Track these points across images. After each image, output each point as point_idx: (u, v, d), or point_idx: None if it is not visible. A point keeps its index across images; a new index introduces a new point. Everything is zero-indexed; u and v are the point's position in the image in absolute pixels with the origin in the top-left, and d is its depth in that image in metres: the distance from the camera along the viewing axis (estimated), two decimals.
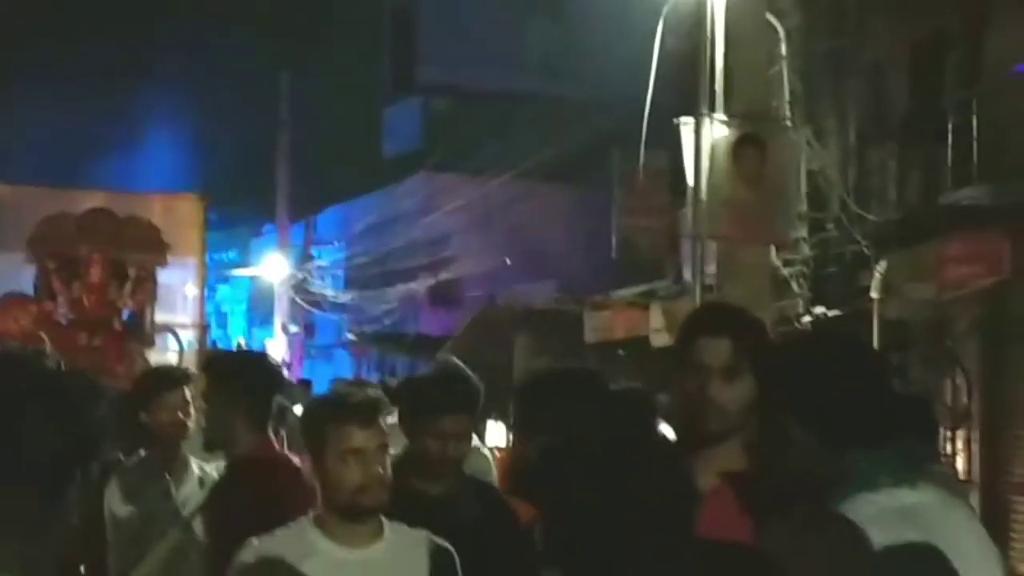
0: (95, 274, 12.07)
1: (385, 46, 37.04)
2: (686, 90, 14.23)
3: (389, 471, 3.80)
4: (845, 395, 2.78)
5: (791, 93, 14.52)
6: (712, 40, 13.01)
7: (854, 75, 15.89)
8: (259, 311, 35.45)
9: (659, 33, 14.27)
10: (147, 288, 12.44)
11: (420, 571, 3.79)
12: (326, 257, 33.72)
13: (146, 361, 11.48)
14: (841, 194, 15.40)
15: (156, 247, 12.58)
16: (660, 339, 16.86)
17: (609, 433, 2.66)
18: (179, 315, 13.54)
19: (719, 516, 3.17)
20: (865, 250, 14.76)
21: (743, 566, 3.01)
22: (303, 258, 33.77)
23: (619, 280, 21.23)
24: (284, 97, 32.10)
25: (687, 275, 17.53)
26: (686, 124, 13.63)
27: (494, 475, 5.94)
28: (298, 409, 6.42)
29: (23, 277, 12.33)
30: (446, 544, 3.83)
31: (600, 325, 20.86)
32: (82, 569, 5.79)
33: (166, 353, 12.68)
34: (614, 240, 20.98)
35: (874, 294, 13.80)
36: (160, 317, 12.80)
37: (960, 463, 13.41)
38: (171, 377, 6.21)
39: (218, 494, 5.10)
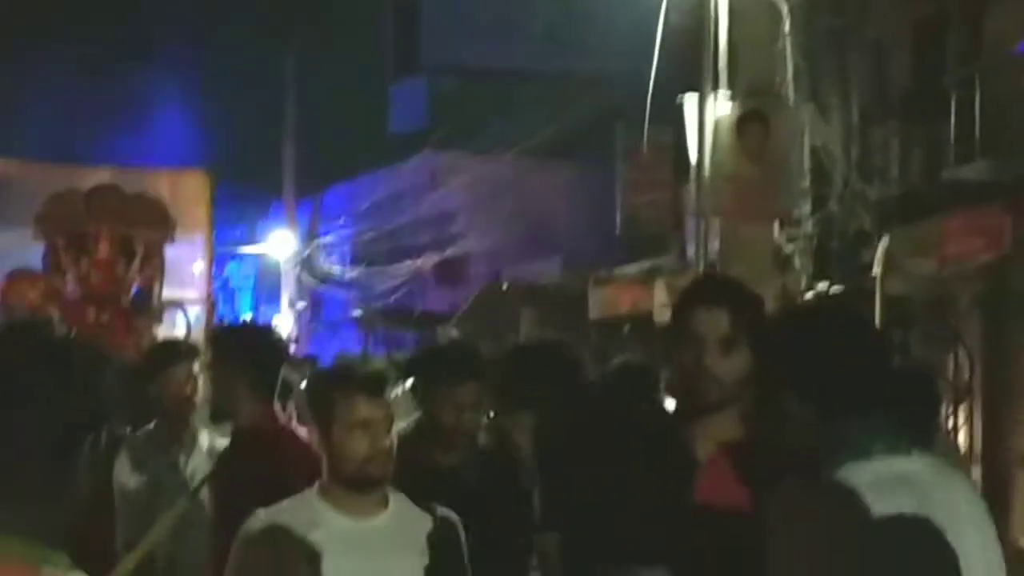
0: (103, 250, 12.12)
1: (390, 25, 37.10)
2: (690, 67, 14.25)
3: (395, 442, 3.85)
4: (843, 366, 2.80)
5: (794, 70, 14.49)
6: (716, 16, 13.04)
7: (857, 52, 15.87)
8: (266, 287, 35.50)
9: (663, 10, 14.28)
10: (155, 264, 12.49)
11: (425, 541, 3.83)
12: (333, 234, 33.74)
13: (154, 337, 11.55)
14: (844, 170, 15.40)
15: (164, 223, 12.62)
16: (664, 315, 16.88)
17: (606, 402, 2.71)
18: (187, 291, 13.58)
19: (715, 485, 3.22)
20: (867, 226, 14.79)
21: (740, 532, 3.08)
22: (310, 235, 33.79)
23: (623, 256, 21.27)
24: (290, 75, 32.09)
25: (691, 251, 17.59)
26: (690, 100, 13.69)
27: None
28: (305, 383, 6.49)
29: (31, 253, 12.38)
30: (451, 515, 3.87)
31: (604, 301, 20.89)
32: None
33: (174, 329, 12.74)
34: (618, 216, 21.02)
35: (876, 270, 13.79)
36: (168, 293, 12.84)
37: (961, 438, 13.46)
38: (178, 351, 6.28)
39: (223, 465, 5.14)
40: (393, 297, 29.65)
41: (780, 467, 3.17)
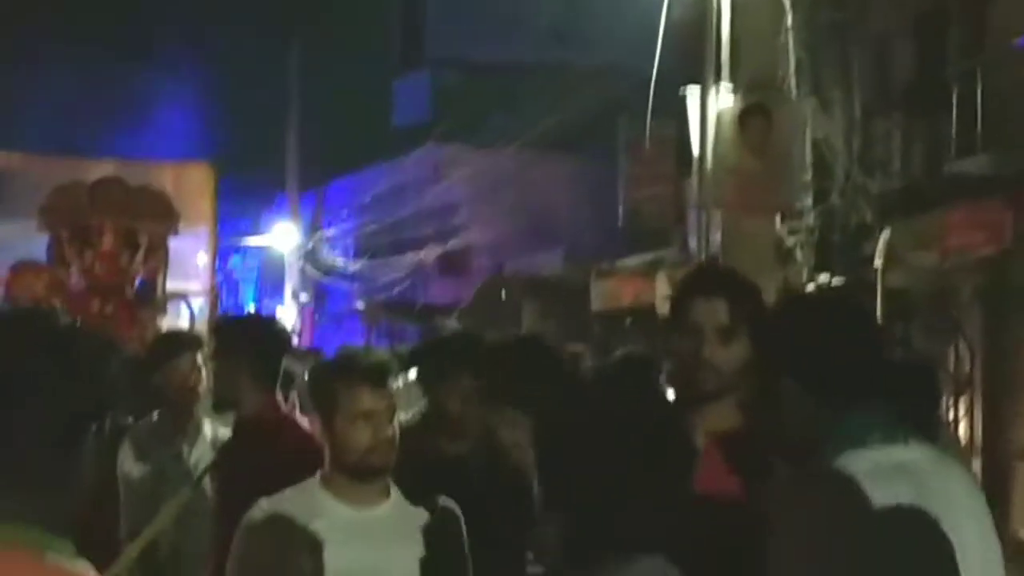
0: (107, 242, 12.15)
1: (394, 18, 37.12)
2: (692, 60, 14.25)
3: (397, 432, 3.85)
4: (843, 356, 2.81)
5: (797, 63, 14.49)
6: (718, 10, 13.04)
7: (859, 45, 15.88)
8: (270, 280, 35.55)
9: (665, 3, 14.29)
10: (159, 256, 12.53)
11: (421, 533, 3.81)
12: (336, 226, 33.78)
13: (158, 328, 11.58)
14: (845, 163, 15.41)
15: (167, 215, 12.66)
16: (666, 307, 16.91)
17: (608, 392, 2.71)
18: (190, 283, 13.63)
19: (710, 475, 3.20)
20: (869, 219, 14.80)
21: (739, 521, 3.06)
22: (313, 227, 33.84)
23: (625, 249, 21.29)
24: (295, 69, 32.10)
25: (693, 244, 17.61)
26: (692, 94, 13.69)
27: None
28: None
29: (36, 245, 12.43)
30: (452, 506, 3.87)
31: (606, 293, 20.92)
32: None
33: (177, 321, 12.79)
34: (620, 209, 21.03)
35: (878, 262, 13.81)
36: (172, 285, 12.89)
37: (962, 430, 13.49)
38: (182, 341, 6.29)
39: (225, 454, 5.17)
40: (396, 289, 29.69)
41: (772, 457, 3.20)
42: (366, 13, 34.89)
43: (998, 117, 13.33)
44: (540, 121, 22.84)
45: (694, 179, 14.25)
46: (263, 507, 3.80)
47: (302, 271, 32.57)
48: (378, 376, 3.84)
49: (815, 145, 15.58)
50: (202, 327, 11.42)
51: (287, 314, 29.80)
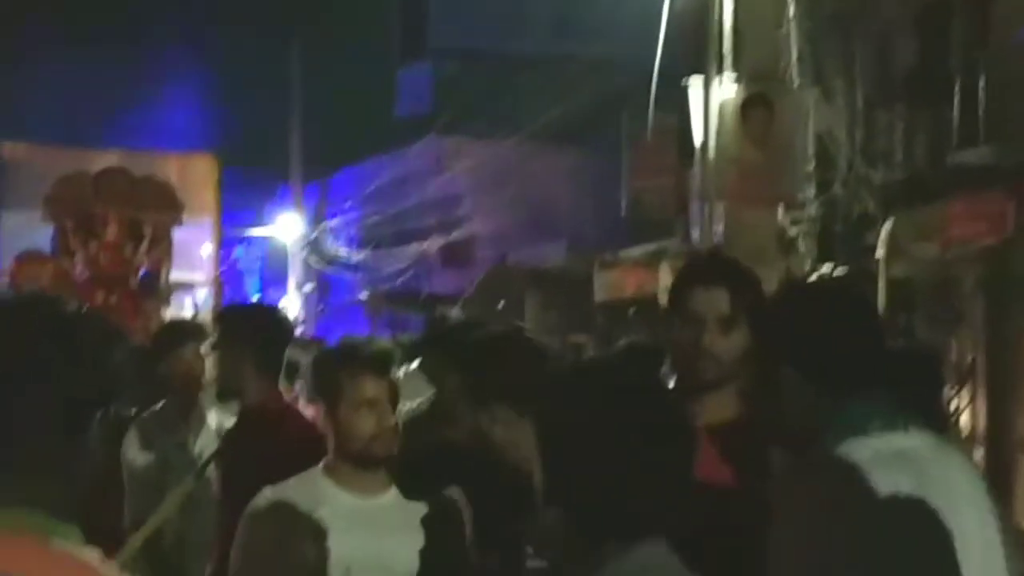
0: (111, 233, 12.21)
1: (396, 9, 37.11)
2: (695, 51, 14.27)
3: (400, 421, 3.88)
4: (843, 344, 2.80)
5: (799, 54, 14.52)
6: (720, 0, 13.07)
7: (861, 36, 15.86)
8: (273, 271, 35.58)
9: None
10: (163, 247, 12.59)
11: (419, 524, 3.82)
12: (339, 217, 33.79)
13: (162, 319, 11.62)
14: (848, 154, 15.39)
15: (171, 206, 12.72)
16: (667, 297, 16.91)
17: (611, 379, 2.68)
18: (195, 274, 13.68)
19: (704, 465, 3.22)
20: (871, 210, 14.80)
21: (739, 509, 3.10)
22: (317, 218, 33.84)
23: (628, 240, 21.29)
24: (297, 60, 32.09)
25: (695, 234, 17.62)
26: (694, 85, 13.71)
27: None
28: None
29: (41, 235, 12.49)
30: (454, 496, 3.86)
31: (609, 284, 20.92)
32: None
33: (181, 311, 12.84)
34: (623, 200, 21.03)
35: (880, 253, 13.81)
36: (176, 276, 12.96)
37: (964, 420, 13.49)
38: (187, 331, 6.34)
39: (229, 443, 5.16)
40: (399, 280, 29.70)
41: (771, 446, 3.22)
42: (368, 4, 34.90)
43: (1000, 108, 13.33)
44: (543, 112, 22.84)
45: (696, 170, 14.27)
46: (267, 495, 3.82)
47: (305, 262, 32.58)
48: (381, 364, 3.86)
49: (817, 136, 15.57)
50: (206, 317, 11.45)
51: (291, 305, 29.83)
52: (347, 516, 3.75)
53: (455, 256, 29.64)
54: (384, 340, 4.41)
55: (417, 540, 3.78)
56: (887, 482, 2.62)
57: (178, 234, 12.90)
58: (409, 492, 3.85)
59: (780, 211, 14.07)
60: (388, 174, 29.96)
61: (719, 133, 12.85)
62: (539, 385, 3.40)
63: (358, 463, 3.80)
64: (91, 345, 2.07)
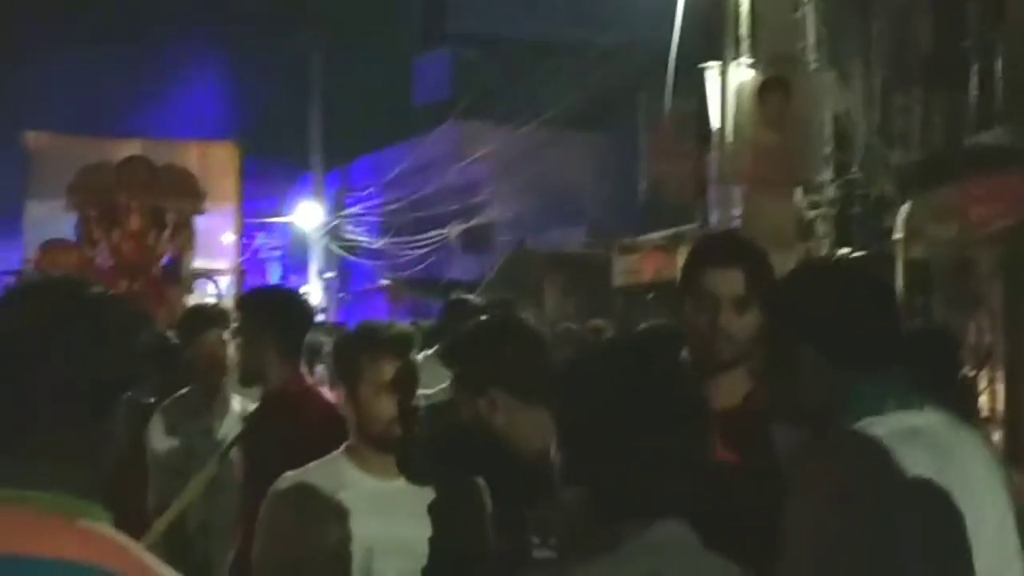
0: (134, 221, 12.28)
1: None
2: (712, 35, 14.27)
3: (420, 404, 3.90)
4: (860, 322, 2.80)
5: (816, 37, 14.48)
6: None
7: (879, 18, 15.81)
8: (295, 258, 35.66)
9: None
10: (185, 235, 12.66)
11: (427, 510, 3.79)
12: (360, 205, 33.85)
13: (185, 306, 11.67)
14: (865, 136, 15.37)
15: (193, 194, 12.78)
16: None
17: (630, 359, 2.68)
18: (217, 261, 13.76)
19: (719, 445, 3.15)
20: (889, 192, 14.77)
21: (757, 485, 3.11)
22: (337, 206, 33.90)
23: (647, 224, 21.29)
24: (317, 48, 32.12)
25: (714, 218, 17.65)
26: (712, 68, 13.70)
27: None
28: None
29: (65, 224, 12.57)
30: (472, 482, 3.80)
31: (628, 268, 20.90)
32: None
33: (204, 298, 12.90)
34: (642, 184, 21.03)
35: (898, 235, 13.74)
36: (198, 263, 13.02)
37: (983, 402, 13.45)
38: (210, 316, 6.33)
39: (251, 427, 5.17)
40: (420, 266, 29.75)
41: (786, 425, 3.22)
42: None
43: (1018, 89, 13.28)
44: (561, 98, 22.83)
45: (714, 154, 14.26)
46: (289, 478, 3.84)
47: (327, 249, 32.66)
48: (401, 348, 3.86)
49: (835, 118, 15.50)
50: (228, 305, 11.49)
51: (312, 292, 29.92)
52: (369, 498, 3.77)
53: (475, 242, 29.68)
54: (404, 324, 4.44)
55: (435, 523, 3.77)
56: (906, 460, 2.63)
57: (200, 222, 12.95)
58: (425, 477, 3.83)
59: (798, 194, 14.05)
60: (408, 161, 29.98)
61: (736, 117, 12.83)
62: (539, 371, 3.46)
63: (378, 446, 3.82)
64: (116, 327, 2.09)
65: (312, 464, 3.87)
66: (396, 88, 35.97)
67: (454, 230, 28.97)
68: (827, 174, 15.51)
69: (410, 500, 3.78)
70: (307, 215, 33.03)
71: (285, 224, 35.08)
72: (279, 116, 33.02)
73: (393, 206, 30.58)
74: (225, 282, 13.67)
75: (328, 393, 5.41)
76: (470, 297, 7.69)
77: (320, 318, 18.35)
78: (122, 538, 2.01)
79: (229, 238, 14.28)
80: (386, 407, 3.80)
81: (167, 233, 12.57)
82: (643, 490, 2.40)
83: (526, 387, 3.44)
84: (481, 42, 33.69)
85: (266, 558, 3.88)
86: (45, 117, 22.12)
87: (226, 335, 6.02)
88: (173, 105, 29.51)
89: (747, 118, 12.77)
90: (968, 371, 12.47)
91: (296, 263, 35.29)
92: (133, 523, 2.06)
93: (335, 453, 3.89)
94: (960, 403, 4.90)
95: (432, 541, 3.72)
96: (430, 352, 7.25)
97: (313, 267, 32.59)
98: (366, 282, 33.86)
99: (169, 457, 5.97)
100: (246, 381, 5.29)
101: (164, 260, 12.66)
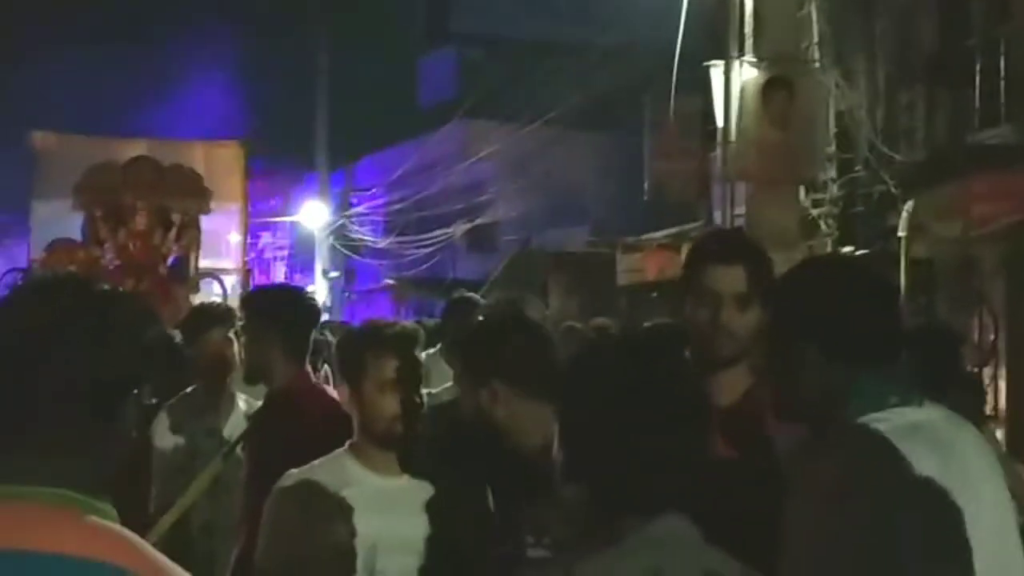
0: (140, 221, 12.30)
1: None
2: (716, 34, 14.30)
3: (424, 400, 3.91)
4: (862, 317, 2.81)
5: (819, 35, 14.51)
6: None
7: (882, 16, 15.83)
8: (300, 257, 35.69)
9: None
10: (191, 234, 12.68)
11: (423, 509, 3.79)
12: (365, 204, 33.88)
13: (191, 306, 11.68)
14: (869, 135, 15.37)
15: (199, 194, 12.79)
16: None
17: (633, 357, 2.66)
18: (222, 261, 13.79)
19: (718, 441, 3.20)
20: (893, 190, 14.74)
21: (757, 481, 3.14)
22: (342, 205, 33.93)
23: (651, 223, 21.32)
24: (323, 47, 32.14)
25: (718, 217, 17.67)
26: (716, 67, 13.73)
27: None
28: None
29: (71, 224, 12.60)
30: (475, 476, 3.78)
31: (632, 267, 20.92)
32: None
33: (210, 298, 12.92)
34: (646, 183, 21.04)
35: (901, 233, 13.70)
36: (204, 263, 13.04)
37: (986, 400, 13.44)
38: (214, 315, 6.31)
39: (256, 425, 5.17)
40: (425, 266, 29.78)
41: (764, 427, 3.29)
42: None
43: (1021, 87, 13.33)
44: (566, 97, 22.84)
45: (718, 153, 14.28)
46: (294, 475, 3.85)
47: (332, 248, 32.69)
48: (405, 345, 3.86)
49: (838, 116, 15.54)
50: (234, 304, 11.50)
51: (318, 291, 29.96)
52: (372, 496, 3.77)
53: (480, 241, 29.71)
54: (408, 322, 4.44)
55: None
56: (908, 456, 2.64)
57: (206, 222, 12.97)
58: (427, 475, 3.84)
59: (802, 192, 14.07)
60: (412, 160, 29.99)
61: (740, 115, 12.85)
62: (542, 365, 3.46)
63: (382, 443, 3.83)
64: (124, 325, 2.09)
65: (316, 461, 3.88)
66: (401, 88, 35.99)
67: (459, 229, 28.99)
68: (831, 172, 15.54)
69: (413, 497, 3.78)
70: (312, 215, 33.07)
71: (290, 224, 35.12)
72: (284, 116, 33.06)
73: (398, 205, 30.60)
74: (231, 281, 13.68)
75: (333, 392, 5.41)
76: (473, 296, 7.71)
77: (325, 317, 18.38)
78: (131, 535, 2.02)
79: (235, 238, 14.31)
80: (390, 405, 3.81)
81: (173, 233, 12.59)
82: (644, 487, 2.41)
83: (527, 380, 3.45)
84: (485, 42, 33.71)
85: (270, 555, 3.88)
86: (51, 117, 22.15)
87: (231, 334, 6.04)
88: (179, 105, 29.55)
89: (751, 117, 12.80)
90: (971, 368, 12.52)
91: (301, 262, 35.33)
92: (135, 522, 2.06)
93: (339, 451, 3.90)
94: (967, 400, 4.90)
95: (429, 540, 3.73)
96: (433, 350, 7.30)
97: (318, 266, 32.62)
98: (371, 281, 33.90)
99: (174, 455, 5.95)
100: (251, 379, 5.29)
101: (170, 260, 12.67)
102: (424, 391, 4.18)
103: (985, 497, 2.74)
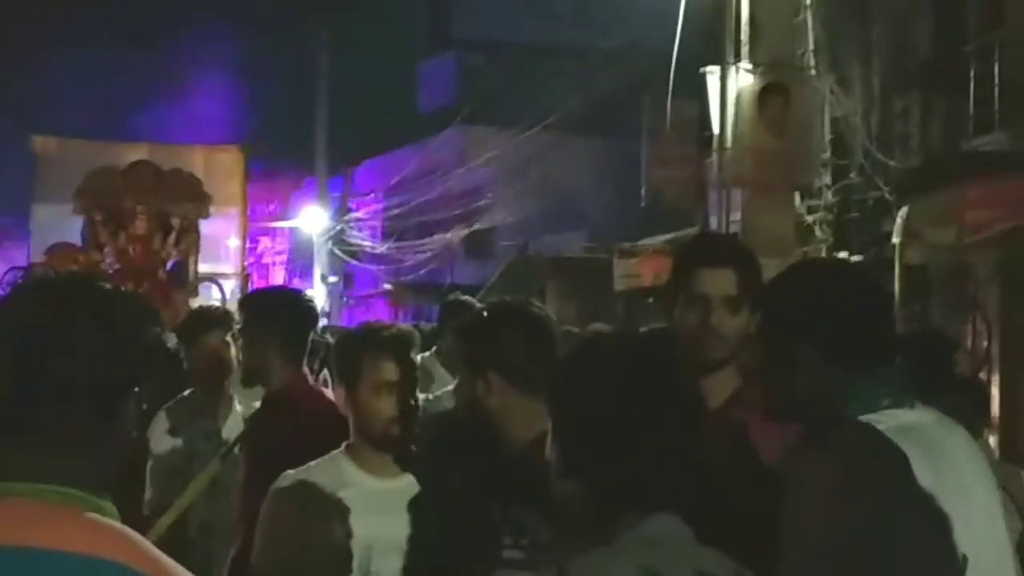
0: (140, 225, 12.31)
1: (420, 1, 37.14)
2: (713, 40, 14.33)
3: (419, 403, 3.93)
4: (856, 319, 2.82)
5: (815, 42, 14.54)
6: None
7: (878, 23, 15.86)
8: (299, 262, 35.70)
9: None
10: (190, 238, 12.68)
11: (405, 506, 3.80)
12: (363, 209, 33.91)
13: (190, 310, 11.70)
14: (864, 141, 15.37)
15: (198, 198, 12.80)
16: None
17: (627, 355, 2.67)
18: (222, 265, 13.80)
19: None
20: (887, 196, 14.76)
21: (752, 481, 3.15)
22: (341, 210, 33.95)
23: (647, 228, 21.36)
24: (323, 52, 32.16)
25: (714, 223, 17.68)
26: (712, 74, 13.77)
27: None
28: None
29: (71, 228, 12.62)
30: (441, 478, 3.75)
31: (629, 272, 20.92)
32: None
33: (209, 302, 12.95)
34: (643, 189, 21.06)
35: (896, 239, 13.72)
36: (203, 267, 13.05)
37: None
38: (212, 318, 6.32)
39: (253, 427, 5.17)
40: (423, 271, 29.82)
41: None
42: None
43: (1016, 94, 13.34)
44: (564, 102, 22.88)
45: (714, 159, 14.31)
46: (290, 476, 3.88)
47: (330, 253, 32.70)
48: (401, 348, 3.88)
49: (833, 123, 15.54)
50: (233, 309, 11.51)
51: (317, 296, 29.98)
52: (368, 497, 3.79)
53: (478, 246, 29.75)
54: (404, 325, 4.46)
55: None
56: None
57: (205, 226, 12.98)
58: (417, 475, 3.85)
59: (797, 199, 14.12)
60: (411, 165, 30.05)
61: (736, 121, 12.91)
62: (538, 361, 3.47)
63: (378, 445, 3.85)
64: (125, 323, 2.09)
65: (313, 463, 3.89)
66: (400, 92, 36.02)
67: (457, 235, 29.02)
68: (826, 178, 15.56)
69: (406, 501, 3.80)
70: (311, 219, 33.09)
71: (290, 228, 35.15)
72: (284, 120, 33.08)
73: (396, 210, 30.64)
74: (230, 286, 13.70)
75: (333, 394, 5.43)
76: (468, 298, 7.75)
77: (323, 322, 18.41)
78: (132, 533, 2.02)
79: (234, 242, 14.34)
80: (385, 407, 3.83)
81: (172, 237, 12.60)
82: (639, 485, 2.41)
83: (522, 373, 3.44)
84: (485, 47, 33.75)
85: (267, 555, 3.89)
86: (52, 121, 22.20)
87: (228, 337, 6.05)
88: (180, 110, 29.59)
89: (747, 123, 12.85)
90: (967, 373, 12.52)
91: (300, 267, 35.35)
92: (131, 522, 2.10)
93: (335, 452, 3.92)
94: (965, 404, 4.91)
95: (409, 539, 3.74)
96: (429, 354, 7.36)
97: (317, 271, 32.65)
98: (369, 286, 33.92)
99: (170, 457, 5.95)
100: (248, 381, 5.29)
101: (169, 264, 12.68)
102: (421, 396, 4.21)
103: (976, 499, 2.76)
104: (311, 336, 5.29)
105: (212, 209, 12.99)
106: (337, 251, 32.65)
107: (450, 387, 5.12)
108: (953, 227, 13.33)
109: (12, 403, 2.03)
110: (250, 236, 19.22)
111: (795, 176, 13.29)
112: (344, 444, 3.93)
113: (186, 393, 6.17)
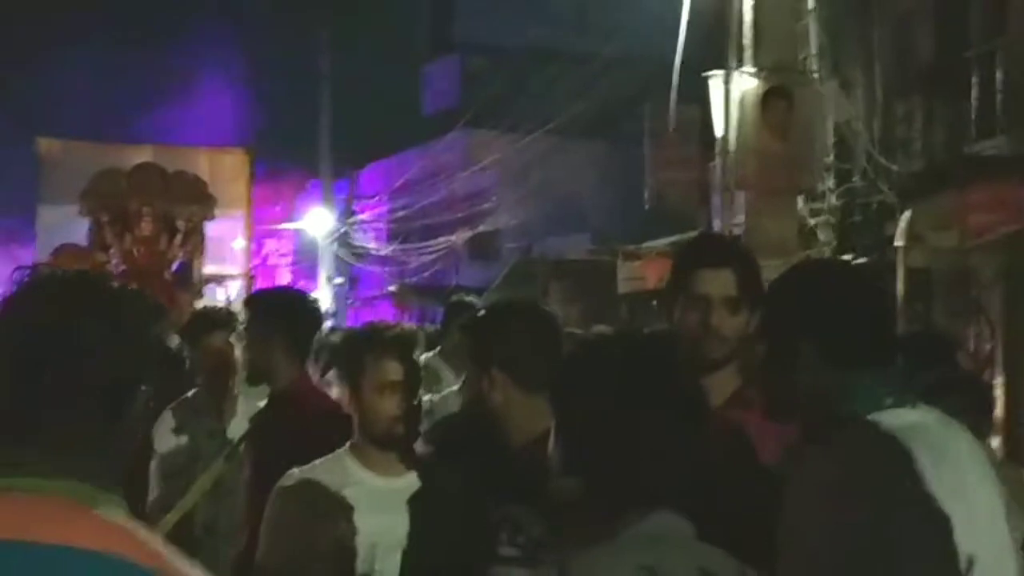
0: (146, 227, 12.33)
1: (424, 3, 37.17)
2: (716, 44, 14.35)
3: (422, 402, 3.98)
4: (859, 318, 2.82)
5: (818, 46, 14.57)
6: None
7: (880, 28, 15.89)
8: (304, 264, 35.72)
9: None
10: (195, 240, 12.71)
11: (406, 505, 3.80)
12: (368, 211, 33.93)
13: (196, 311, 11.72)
14: (867, 145, 15.41)
15: (204, 200, 12.83)
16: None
17: (630, 354, 2.68)
18: (227, 267, 13.83)
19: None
20: (890, 200, 14.82)
21: (753, 479, 3.17)
22: (346, 212, 33.97)
23: (651, 231, 21.38)
24: (326, 55, 32.18)
25: (717, 225, 17.70)
26: (715, 77, 13.80)
27: None
28: None
29: (77, 229, 12.65)
30: (443, 477, 3.79)
31: (632, 275, 20.93)
32: None
33: (214, 303, 12.99)
34: (646, 192, 21.07)
35: (899, 243, 13.75)
36: (209, 268, 13.08)
37: None
38: (216, 319, 6.33)
39: (258, 426, 5.17)
40: (427, 273, 29.84)
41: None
42: (396, 0, 34.98)
43: (1018, 98, 13.37)
44: (568, 105, 22.89)
45: (718, 162, 14.33)
46: (295, 475, 3.90)
47: (335, 256, 32.72)
48: (404, 348, 3.90)
49: (836, 127, 15.55)
50: (238, 310, 11.52)
51: (321, 298, 29.99)
52: (372, 495, 3.80)
53: (482, 249, 29.77)
54: (408, 325, 4.51)
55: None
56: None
57: (211, 228, 13.00)
58: (419, 473, 3.86)
59: (800, 202, 14.14)
60: (416, 168, 30.05)
61: (740, 125, 12.93)
62: (543, 359, 3.38)
63: (382, 444, 3.87)
64: (133, 321, 2.09)
65: (317, 461, 3.92)
66: (404, 96, 36.03)
67: (461, 237, 29.05)
68: (829, 182, 15.57)
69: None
70: (316, 221, 33.11)
71: (295, 230, 35.17)
72: (289, 123, 33.09)
73: (401, 213, 30.66)
74: (235, 287, 13.73)
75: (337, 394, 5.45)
76: (471, 299, 7.79)
77: (329, 324, 18.44)
78: (142, 529, 2.02)
79: (239, 244, 14.37)
80: (389, 406, 3.85)
81: (178, 239, 12.63)
82: (640, 482, 2.41)
83: (526, 370, 3.45)
84: (489, 50, 33.77)
85: (272, 553, 3.91)
86: (57, 122, 22.21)
87: (232, 337, 6.07)
88: (184, 112, 29.60)
89: (750, 127, 12.88)
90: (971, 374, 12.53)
91: (305, 269, 35.36)
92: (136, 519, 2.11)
93: (340, 451, 3.94)
94: (968, 404, 4.95)
95: (408, 536, 3.75)
96: (432, 353, 7.41)
97: (322, 273, 32.66)
98: (374, 288, 33.93)
99: (176, 456, 5.97)
100: (253, 380, 5.31)
101: (175, 265, 12.71)
102: (427, 396, 4.23)
103: (979, 499, 2.76)
104: (316, 335, 5.34)
105: (217, 211, 13.02)
106: (342, 253, 32.66)
107: (455, 387, 5.14)
108: (956, 231, 13.36)
109: (20, 401, 2.03)
110: (255, 238, 19.22)
111: (798, 179, 13.32)
112: (348, 443, 3.95)
113: (191, 393, 6.19)
